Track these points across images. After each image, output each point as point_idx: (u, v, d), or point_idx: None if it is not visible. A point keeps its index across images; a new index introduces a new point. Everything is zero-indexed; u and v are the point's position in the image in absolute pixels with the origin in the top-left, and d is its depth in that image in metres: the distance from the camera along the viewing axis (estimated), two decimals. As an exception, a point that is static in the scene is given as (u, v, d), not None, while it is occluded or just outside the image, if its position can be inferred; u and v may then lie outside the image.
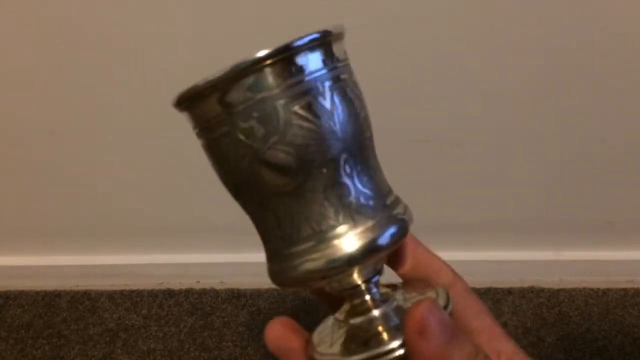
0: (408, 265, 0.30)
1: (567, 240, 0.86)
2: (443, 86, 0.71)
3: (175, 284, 0.93)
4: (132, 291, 0.93)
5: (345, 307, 0.28)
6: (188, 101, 0.25)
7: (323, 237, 0.24)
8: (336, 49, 0.25)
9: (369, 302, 0.27)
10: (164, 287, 0.93)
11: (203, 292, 0.91)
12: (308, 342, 0.27)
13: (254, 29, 0.66)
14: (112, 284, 0.94)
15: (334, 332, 0.27)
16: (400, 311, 0.26)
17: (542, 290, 0.87)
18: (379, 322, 0.26)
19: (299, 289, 0.28)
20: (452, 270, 0.31)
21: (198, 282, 0.93)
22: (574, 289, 0.87)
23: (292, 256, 0.25)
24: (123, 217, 0.90)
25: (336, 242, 0.24)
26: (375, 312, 0.26)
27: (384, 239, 0.25)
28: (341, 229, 0.24)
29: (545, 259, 0.88)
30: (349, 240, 0.24)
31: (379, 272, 0.28)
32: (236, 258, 0.91)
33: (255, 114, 0.23)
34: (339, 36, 0.25)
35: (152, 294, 0.92)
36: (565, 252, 0.88)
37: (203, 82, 0.24)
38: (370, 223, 0.25)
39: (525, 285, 0.88)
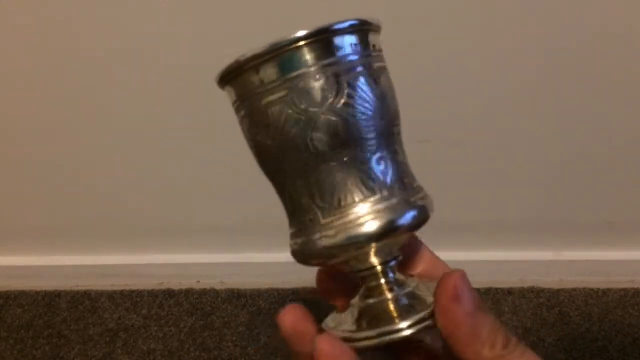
0: (420, 269, 0.31)
1: (567, 240, 0.87)
2: (443, 86, 0.71)
3: (175, 284, 0.93)
4: (132, 291, 0.93)
5: (361, 289, 0.28)
6: (239, 70, 0.26)
7: (347, 211, 0.25)
8: (374, 39, 0.28)
9: (384, 285, 0.27)
10: (164, 287, 0.93)
11: (203, 292, 0.91)
12: (322, 325, 0.28)
13: (253, 30, 0.66)
14: (112, 284, 0.94)
15: (348, 313, 0.28)
16: (413, 296, 0.27)
17: (542, 290, 0.87)
18: (391, 303, 0.27)
19: (321, 265, 0.28)
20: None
21: (198, 282, 0.93)
22: (574, 289, 0.87)
23: (324, 226, 0.26)
24: (123, 217, 0.90)
25: (359, 218, 0.25)
26: (389, 295, 0.27)
27: (404, 220, 0.26)
28: (365, 205, 0.25)
29: (545, 259, 0.88)
30: (370, 217, 0.25)
31: (396, 257, 0.28)
32: (236, 258, 0.91)
33: (314, 80, 0.25)
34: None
35: (152, 294, 0.92)
36: (565, 252, 0.88)
37: (263, 48, 0.25)
38: (393, 202, 0.26)
39: (525, 285, 0.88)
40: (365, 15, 0.27)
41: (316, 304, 0.31)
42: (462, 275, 0.24)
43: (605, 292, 0.86)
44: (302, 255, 0.27)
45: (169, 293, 0.92)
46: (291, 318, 0.27)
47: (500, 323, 0.25)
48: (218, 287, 0.92)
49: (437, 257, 0.32)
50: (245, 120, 0.27)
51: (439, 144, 0.75)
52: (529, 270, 0.88)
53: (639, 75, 0.69)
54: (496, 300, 0.86)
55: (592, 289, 0.86)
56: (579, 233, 0.85)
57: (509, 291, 0.87)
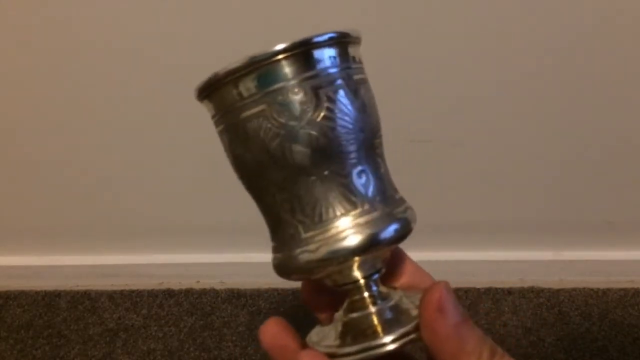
0: (404, 280, 0.31)
1: (567, 240, 0.87)
2: (443, 86, 0.71)
3: (175, 284, 0.93)
4: (132, 291, 0.93)
5: (345, 304, 0.28)
6: (217, 84, 0.26)
7: (329, 225, 0.25)
8: (354, 51, 0.27)
9: (368, 299, 0.27)
10: (164, 287, 0.93)
11: (203, 292, 0.91)
12: (306, 339, 0.28)
13: (251, 30, 0.66)
14: (112, 284, 0.94)
15: (332, 328, 0.28)
16: (397, 309, 0.27)
17: (542, 290, 0.87)
18: (375, 317, 0.27)
19: (303, 279, 0.28)
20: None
21: (198, 282, 0.93)
22: (574, 289, 0.87)
23: (305, 241, 0.26)
24: (123, 217, 0.90)
25: (340, 232, 0.25)
26: (373, 309, 0.27)
27: (386, 234, 0.25)
28: (347, 219, 0.25)
29: (545, 259, 0.88)
30: (352, 231, 0.25)
31: (379, 270, 0.28)
32: (236, 258, 0.91)
33: (293, 94, 0.25)
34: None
35: (152, 294, 0.92)
36: (565, 252, 0.88)
37: (241, 62, 0.24)
38: (375, 216, 0.26)
39: (525, 285, 0.88)
40: (345, 27, 0.26)
41: (308, 314, 0.31)
42: (446, 286, 0.24)
43: (605, 292, 0.86)
44: (283, 270, 0.27)
45: (169, 293, 0.92)
46: (271, 332, 0.27)
47: (486, 335, 0.24)
48: (218, 287, 0.92)
49: (420, 268, 0.32)
50: (224, 134, 0.27)
51: (439, 144, 0.75)
52: (529, 270, 0.88)
53: (638, 75, 0.69)
54: (496, 300, 0.86)
55: (592, 289, 0.86)
56: (579, 233, 0.85)
57: (509, 291, 0.87)
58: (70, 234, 0.92)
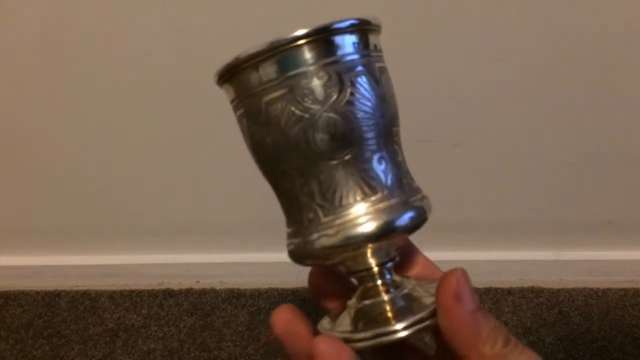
0: (416, 272, 0.31)
1: (567, 240, 0.87)
2: (443, 86, 0.71)
3: (175, 284, 0.93)
4: (132, 291, 0.93)
5: (358, 291, 0.28)
6: (241, 66, 0.25)
7: (347, 210, 0.25)
8: (375, 39, 0.28)
9: (380, 287, 0.27)
10: (164, 287, 0.93)
11: (203, 292, 0.91)
12: (317, 327, 0.28)
13: (255, 27, 0.66)
14: (112, 284, 0.94)
15: (345, 315, 0.28)
16: (410, 297, 0.27)
17: (542, 290, 0.87)
18: (388, 304, 0.27)
19: (319, 265, 0.29)
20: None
21: (198, 282, 0.93)
22: (574, 289, 0.87)
23: (324, 225, 0.26)
24: (123, 217, 0.90)
25: (357, 218, 0.25)
26: (386, 296, 0.27)
27: (402, 221, 0.26)
28: (365, 204, 0.25)
29: (545, 259, 0.88)
30: (369, 217, 0.25)
31: (393, 259, 0.28)
32: (236, 258, 0.91)
33: (317, 78, 0.25)
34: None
35: (152, 294, 0.92)
36: (565, 252, 0.88)
37: (266, 45, 0.24)
38: (392, 203, 0.26)
39: (525, 285, 0.88)
40: (368, 15, 0.27)
41: (316, 305, 0.31)
42: (463, 273, 0.24)
43: (605, 292, 0.86)
44: (299, 255, 0.27)
45: (169, 293, 0.92)
46: (284, 318, 0.27)
47: (500, 323, 0.25)
48: (218, 287, 0.92)
49: (431, 262, 0.32)
50: (244, 118, 0.27)
51: (439, 144, 0.75)
52: (529, 270, 0.88)
53: (638, 75, 0.69)
54: (496, 300, 0.86)
55: (592, 289, 0.86)
56: (579, 233, 0.85)
57: (509, 291, 0.87)
58: (70, 234, 0.92)
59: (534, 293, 0.87)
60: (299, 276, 0.88)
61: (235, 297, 0.90)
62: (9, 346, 0.87)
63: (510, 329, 0.82)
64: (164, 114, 0.75)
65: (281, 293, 0.88)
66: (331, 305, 0.30)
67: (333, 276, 0.30)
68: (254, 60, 0.25)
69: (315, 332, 0.27)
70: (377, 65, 0.27)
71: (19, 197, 0.89)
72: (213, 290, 0.91)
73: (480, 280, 0.87)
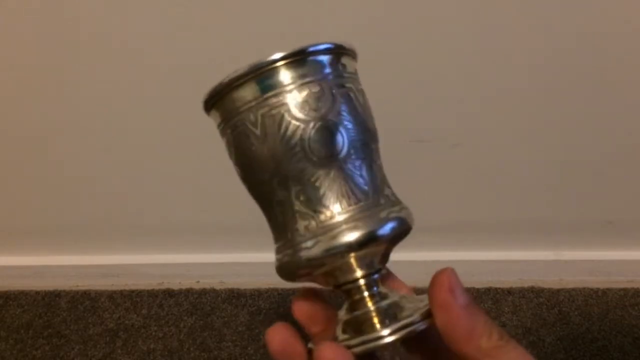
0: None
1: (567, 240, 0.87)
2: (443, 86, 0.71)
3: (175, 284, 0.93)
4: (132, 291, 0.93)
5: (346, 304, 0.29)
6: (239, 80, 0.27)
7: (332, 220, 0.27)
8: (354, 65, 0.30)
9: (367, 298, 0.28)
10: (164, 287, 0.93)
11: (203, 292, 0.91)
12: (309, 346, 0.28)
13: (258, 31, 0.66)
14: (112, 284, 0.94)
15: (334, 328, 0.28)
16: (396, 307, 0.28)
17: (542, 290, 0.87)
18: (374, 313, 0.27)
19: (307, 276, 0.29)
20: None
21: (198, 282, 0.93)
22: (574, 289, 0.87)
23: (311, 235, 0.27)
24: (123, 217, 0.90)
25: (341, 226, 0.26)
26: (372, 307, 0.28)
27: (383, 231, 0.27)
28: (348, 214, 0.27)
29: (545, 259, 0.88)
30: (352, 226, 0.26)
31: (379, 270, 0.29)
32: (236, 258, 0.91)
33: (311, 91, 0.27)
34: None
35: (152, 294, 0.92)
36: (565, 252, 0.88)
37: (267, 60, 0.27)
38: (373, 213, 0.27)
39: (525, 285, 0.88)
40: (345, 42, 0.29)
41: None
42: (453, 271, 0.25)
43: (605, 292, 0.86)
44: (288, 269, 0.28)
45: (169, 293, 0.92)
46: (279, 338, 0.27)
47: (490, 318, 0.25)
48: (218, 287, 0.92)
49: (394, 275, 0.32)
50: (236, 135, 0.28)
51: (439, 144, 0.75)
52: (529, 270, 0.88)
53: (638, 75, 0.69)
54: (496, 300, 0.86)
55: (592, 289, 0.86)
56: (579, 233, 0.85)
57: (509, 291, 0.87)
58: (70, 234, 0.92)
59: (534, 293, 0.87)
60: (299, 276, 0.88)
61: (235, 297, 0.90)
62: (9, 346, 0.87)
63: (510, 329, 0.82)
64: (164, 114, 0.75)
65: (281, 293, 0.89)
66: (316, 330, 0.31)
67: (319, 302, 0.30)
68: (253, 74, 0.27)
69: (309, 351, 0.28)
70: (359, 87, 0.29)
71: (19, 197, 0.89)
72: (213, 290, 0.91)
73: (480, 280, 0.87)
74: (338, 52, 0.29)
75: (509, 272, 0.88)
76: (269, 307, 0.87)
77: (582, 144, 0.75)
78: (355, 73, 0.30)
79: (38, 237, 0.94)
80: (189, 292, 0.92)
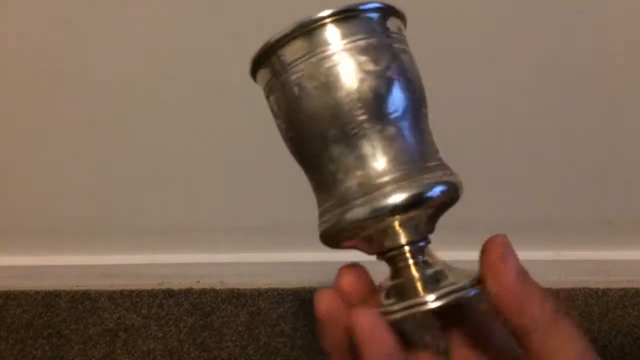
0: None
1: (567, 240, 0.87)
2: (443, 86, 0.70)
3: (175, 284, 0.93)
4: (132, 291, 0.93)
5: (390, 272, 0.28)
6: (307, 28, 0.27)
7: (382, 179, 0.26)
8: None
9: (412, 266, 0.27)
10: (164, 287, 0.93)
11: (203, 292, 0.91)
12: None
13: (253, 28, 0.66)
14: (112, 284, 0.94)
15: (377, 295, 0.28)
16: (441, 275, 0.27)
17: (542, 290, 0.87)
18: (418, 280, 0.27)
19: (352, 238, 0.28)
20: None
21: (198, 282, 0.93)
22: (573, 289, 0.87)
23: (361, 193, 0.26)
24: (123, 217, 0.90)
25: (388, 186, 0.26)
26: (416, 274, 0.27)
27: (432, 193, 0.26)
28: (395, 174, 0.26)
29: (545, 259, 0.88)
30: (396, 188, 0.26)
31: (425, 238, 0.28)
32: (236, 258, 0.91)
33: (379, 44, 0.27)
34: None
35: (152, 294, 0.92)
36: (565, 252, 0.88)
37: (336, 9, 0.26)
38: (421, 176, 0.26)
39: (525, 285, 0.88)
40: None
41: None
42: (505, 237, 0.24)
43: (605, 292, 0.86)
44: (332, 231, 0.27)
45: (169, 293, 0.92)
46: (328, 300, 0.25)
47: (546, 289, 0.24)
48: (218, 287, 0.92)
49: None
50: (289, 89, 0.27)
51: (439, 144, 0.75)
52: (529, 270, 0.88)
53: (639, 76, 0.69)
54: (496, 300, 0.86)
55: (592, 289, 0.86)
56: (579, 233, 0.85)
57: (509, 291, 0.87)
58: (70, 234, 0.92)
59: (534, 293, 0.87)
60: (299, 276, 0.88)
61: (235, 297, 0.90)
62: (9, 346, 0.87)
63: (510, 329, 0.82)
64: (164, 114, 0.75)
65: (281, 293, 0.88)
66: (358, 300, 0.30)
67: (364, 273, 0.29)
68: (325, 21, 0.26)
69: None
70: (410, 51, 0.30)
71: (19, 197, 0.89)
72: (213, 290, 0.91)
73: (480, 280, 0.87)
74: (398, 14, 0.30)
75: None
76: (269, 307, 0.87)
77: (583, 143, 0.75)
78: (406, 38, 0.30)
79: (38, 237, 0.94)
80: (189, 292, 0.92)
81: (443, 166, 0.29)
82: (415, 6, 0.64)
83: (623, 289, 0.86)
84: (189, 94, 0.72)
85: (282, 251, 0.87)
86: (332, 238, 0.27)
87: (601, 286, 0.86)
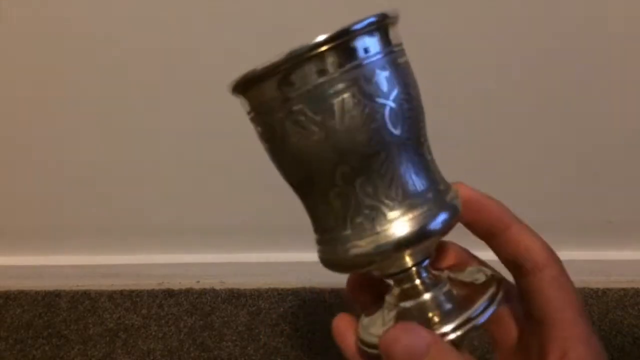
0: (449, 263, 0.31)
1: (567, 240, 0.86)
2: (443, 86, 0.71)
3: (175, 284, 0.93)
4: (132, 291, 0.93)
5: (395, 291, 0.28)
6: (306, 55, 0.23)
7: (381, 216, 0.25)
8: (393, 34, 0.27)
9: (419, 286, 0.27)
10: (164, 287, 0.93)
11: (203, 292, 0.91)
12: (358, 324, 0.28)
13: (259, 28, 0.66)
14: (112, 284, 0.94)
15: (385, 314, 0.27)
16: (450, 295, 0.27)
17: (542, 290, 0.87)
18: (430, 306, 0.26)
19: (354, 270, 0.28)
20: (547, 251, 0.31)
21: (198, 282, 0.93)
22: (573, 289, 0.87)
23: (382, 222, 0.25)
24: (123, 217, 0.90)
25: (392, 222, 0.25)
26: (426, 296, 0.27)
27: (435, 225, 0.25)
28: (402, 208, 0.25)
29: (545, 259, 0.88)
30: (403, 222, 0.25)
31: (429, 255, 0.28)
32: (236, 258, 0.91)
33: (381, 71, 0.24)
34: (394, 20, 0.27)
35: (152, 294, 0.92)
36: (565, 252, 0.87)
37: (337, 32, 0.24)
38: (423, 209, 0.25)
39: (525, 285, 0.88)
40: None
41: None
42: (402, 327, 0.24)
43: (605, 292, 0.86)
44: (335, 262, 0.26)
45: (169, 293, 0.92)
46: (342, 326, 0.27)
47: None
48: (218, 287, 0.92)
49: (462, 249, 0.32)
50: (285, 125, 0.24)
51: (439, 144, 0.75)
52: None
53: (639, 75, 0.69)
54: (496, 300, 0.86)
55: (592, 289, 0.86)
56: (578, 233, 0.85)
57: (509, 291, 0.87)
58: (70, 234, 0.92)
59: (534, 293, 0.86)
60: (299, 276, 0.88)
61: (235, 297, 0.90)
62: (9, 346, 0.87)
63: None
64: (164, 114, 0.75)
65: (281, 293, 0.88)
66: (363, 299, 0.30)
67: (369, 285, 0.30)
68: (326, 46, 0.23)
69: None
70: (408, 59, 0.27)
71: (19, 197, 0.89)
72: (213, 290, 0.91)
73: (480, 280, 0.87)
74: (390, 23, 0.26)
75: (509, 272, 0.88)
76: (269, 307, 0.87)
77: (582, 143, 0.75)
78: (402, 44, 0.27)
79: (38, 237, 0.94)
80: (189, 292, 0.92)
81: (444, 191, 0.27)
82: (415, 6, 0.64)
83: (623, 289, 0.86)
84: (192, 95, 0.72)
85: (282, 251, 0.87)
86: (334, 268, 0.27)
87: (601, 286, 0.86)
